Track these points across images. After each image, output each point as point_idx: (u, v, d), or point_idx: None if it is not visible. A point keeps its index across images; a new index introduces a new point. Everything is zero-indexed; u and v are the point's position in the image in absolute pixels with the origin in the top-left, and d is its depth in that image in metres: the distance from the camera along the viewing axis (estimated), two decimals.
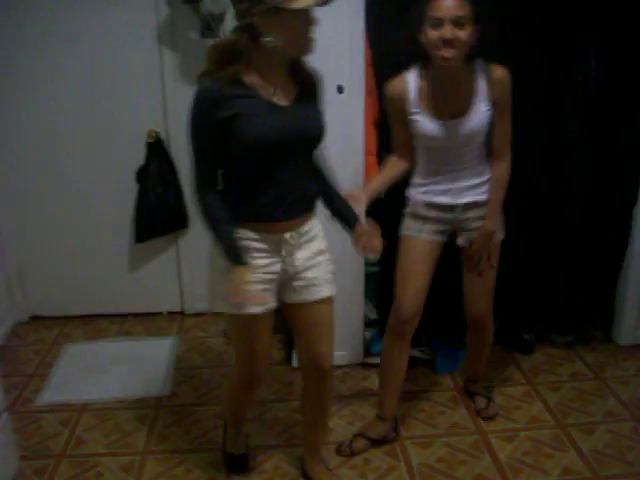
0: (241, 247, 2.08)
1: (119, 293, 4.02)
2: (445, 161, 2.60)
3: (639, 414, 3.10)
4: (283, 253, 2.18)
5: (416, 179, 2.70)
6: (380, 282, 3.41)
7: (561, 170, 3.40)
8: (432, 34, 2.34)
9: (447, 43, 2.33)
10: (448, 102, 2.50)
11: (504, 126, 2.57)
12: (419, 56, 2.48)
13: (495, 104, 2.51)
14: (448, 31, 2.31)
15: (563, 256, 3.56)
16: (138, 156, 3.70)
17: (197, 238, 3.82)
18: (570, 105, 3.30)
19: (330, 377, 2.44)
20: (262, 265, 2.14)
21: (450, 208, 2.65)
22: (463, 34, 2.32)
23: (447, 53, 2.34)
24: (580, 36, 3.18)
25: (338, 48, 2.91)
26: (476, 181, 2.63)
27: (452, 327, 3.54)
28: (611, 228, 3.57)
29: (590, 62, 3.20)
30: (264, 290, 2.16)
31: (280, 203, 2.11)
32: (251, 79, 2.01)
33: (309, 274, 2.25)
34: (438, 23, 2.32)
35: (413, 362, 3.42)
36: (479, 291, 2.82)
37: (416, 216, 2.69)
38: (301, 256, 2.22)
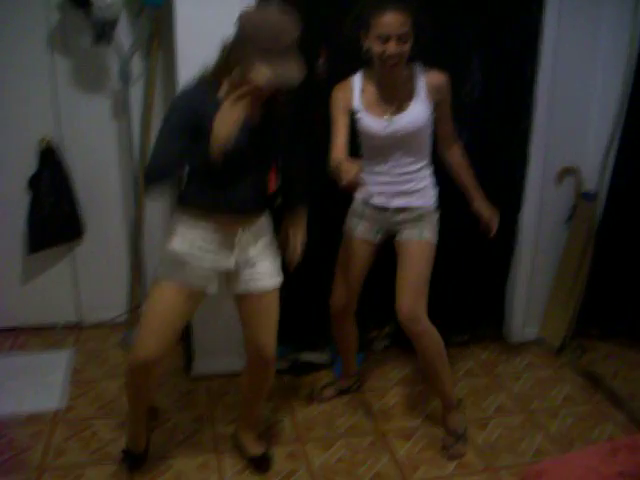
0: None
1: (11, 306, 3.87)
2: (384, 162, 2.73)
3: (529, 407, 3.25)
4: (235, 248, 2.38)
5: None
6: None
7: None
8: (377, 48, 2.50)
9: (392, 57, 2.49)
10: (389, 102, 2.66)
11: (448, 120, 2.80)
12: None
13: (437, 105, 2.70)
14: (393, 47, 2.47)
15: (455, 259, 3.69)
16: (29, 164, 3.58)
17: (93, 247, 3.76)
18: (459, 114, 3.44)
19: (271, 365, 2.59)
20: (213, 257, 2.35)
21: (383, 209, 2.80)
22: (407, 47, 2.49)
23: (391, 65, 2.52)
24: (467, 52, 3.36)
25: None
26: (411, 187, 2.77)
27: None
28: (498, 232, 3.72)
29: (474, 74, 3.39)
30: (209, 277, 2.37)
31: (235, 202, 2.33)
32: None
33: (256, 267, 2.45)
34: (384, 39, 2.46)
35: (312, 367, 3.49)
36: (409, 286, 2.81)
37: (355, 213, 2.88)
38: (251, 251, 2.43)
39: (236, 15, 2.87)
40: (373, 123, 2.65)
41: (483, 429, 3.08)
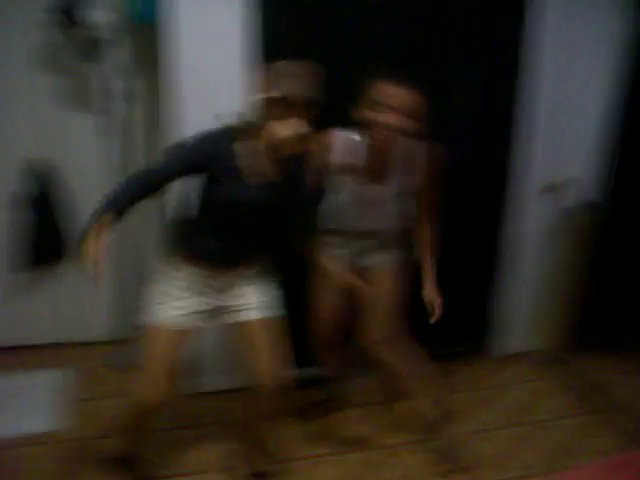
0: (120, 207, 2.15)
1: None
2: (358, 218, 2.74)
3: (518, 421, 3.32)
4: (221, 292, 2.45)
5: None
6: None
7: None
8: (376, 116, 2.37)
9: (391, 128, 2.38)
10: (371, 167, 2.60)
11: (433, 195, 2.73)
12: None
13: (426, 176, 2.65)
14: (397, 120, 2.36)
15: (440, 272, 3.74)
16: (13, 184, 3.56)
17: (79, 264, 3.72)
18: (448, 126, 3.51)
19: (271, 394, 2.53)
20: (196, 298, 2.40)
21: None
22: (411, 123, 2.39)
23: (388, 135, 2.41)
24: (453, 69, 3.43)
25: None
26: (379, 246, 2.84)
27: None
28: (481, 249, 3.80)
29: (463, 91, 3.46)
30: (195, 317, 2.41)
31: (226, 254, 2.39)
32: (244, 150, 2.22)
33: (243, 301, 2.49)
34: (386, 109, 2.35)
35: (310, 382, 3.50)
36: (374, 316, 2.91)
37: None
38: (237, 292, 2.48)
39: (226, 33, 2.95)
40: (351, 185, 2.65)
41: (472, 444, 3.12)
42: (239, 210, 2.29)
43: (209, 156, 2.21)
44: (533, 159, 3.64)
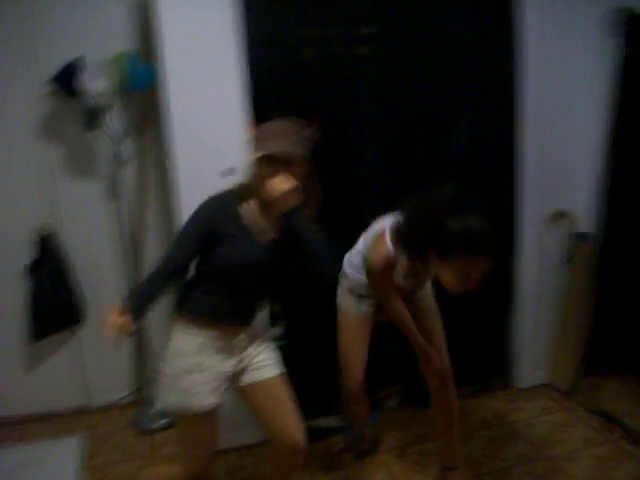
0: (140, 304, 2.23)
1: (17, 395, 3.83)
2: None
3: (548, 452, 3.25)
4: (235, 351, 2.40)
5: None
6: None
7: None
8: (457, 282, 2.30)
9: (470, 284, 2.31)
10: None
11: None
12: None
13: None
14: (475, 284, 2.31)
15: (456, 312, 3.72)
16: (26, 253, 3.61)
17: (96, 330, 3.74)
18: (447, 169, 3.53)
19: (304, 451, 2.47)
20: (213, 365, 2.33)
21: None
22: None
23: (463, 288, 2.33)
24: (453, 113, 3.49)
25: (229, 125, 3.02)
26: None
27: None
28: (495, 277, 3.76)
29: (460, 133, 3.51)
30: (217, 388, 2.34)
31: (240, 313, 2.39)
32: (248, 210, 2.26)
33: (258, 359, 2.47)
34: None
35: (325, 432, 3.47)
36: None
37: (355, 293, 2.85)
38: (251, 350, 2.46)
39: (224, 94, 3.01)
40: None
41: (506, 479, 3.06)
42: (251, 269, 2.28)
43: (216, 220, 2.22)
44: (542, 190, 3.66)
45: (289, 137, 2.15)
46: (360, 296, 2.84)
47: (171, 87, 2.97)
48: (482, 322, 3.83)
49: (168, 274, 2.25)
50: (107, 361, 3.86)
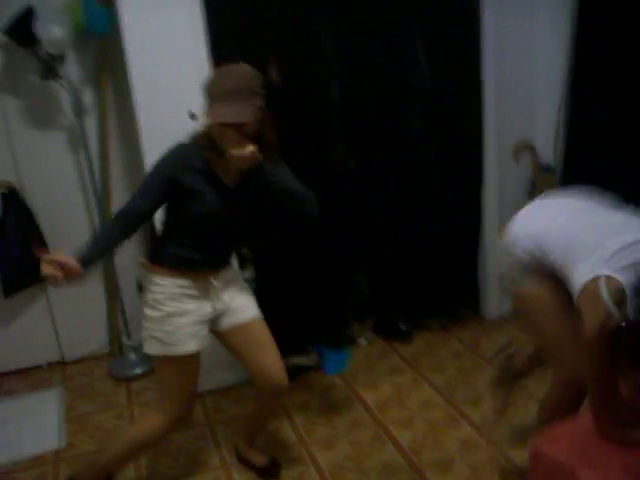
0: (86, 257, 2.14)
1: None
2: None
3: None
4: (211, 296, 2.40)
5: None
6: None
7: (410, 163, 3.63)
8: None
9: None
10: None
11: None
12: None
13: None
14: None
15: (424, 245, 3.78)
16: None
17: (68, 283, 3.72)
18: (411, 104, 3.54)
19: (285, 390, 2.55)
20: (193, 309, 2.34)
21: None
22: None
23: None
24: (413, 45, 3.46)
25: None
26: None
27: (333, 329, 3.70)
28: (464, 211, 3.83)
29: (422, 65, 3.49)
30: (198, 331, 2.36)
31: (212, 260, 2.39)
32: (209, 157, 2.21)
33: (237, 302, 2.49)
34: None
35: (301, 370, 3.53)
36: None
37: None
38: (227, 293, 2.46)
39: (183, 36, 2.96)
40: None
41: (478, 407, 3.15)
42: (218, 217, 2.28)
43: (178, 171, 2.19)
44: (504, 124, 3.70)
45: (239, 98, 2.08)
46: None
47: (128, 31, 2.91)
48: (451, 255, 3.89)
49: (126, 226, 2.22)
50: (79, 314, 3.87)
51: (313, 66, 3.33)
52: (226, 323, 2.48)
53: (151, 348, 2.36)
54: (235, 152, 2.13)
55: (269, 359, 2.49)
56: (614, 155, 3.80)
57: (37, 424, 3.35)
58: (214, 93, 2.10)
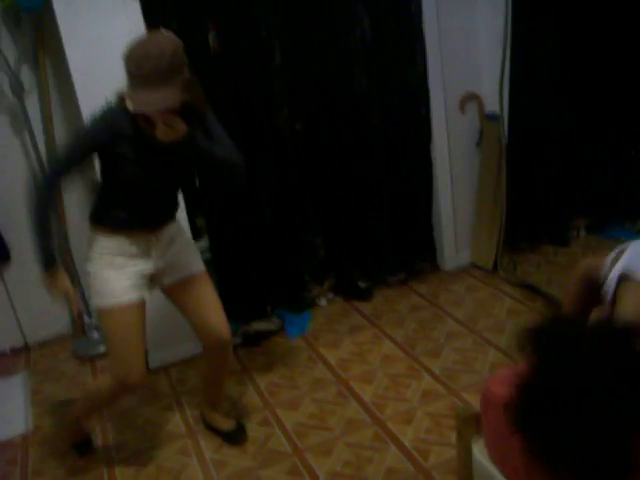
0: (51, 256, 2.29)
1: None
2: None
3: (475, 328, 3.42)
4: (152, 253, 2.42)
5: None
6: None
7: (358, 121, 3.64)
8: None
9: None
10: None
11: None
12: None
13: None
14: None
15: (378, 202, 3.81)
16: None
17: (22, 267, 3.70)
18: (355, 62, 3.53)
19: (229, 344, 2.62)
20: (131, 264, 2.37)
21: None
22: None
23: None
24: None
25: None
26: None
27: (293, 292, 3.74)
28: (415, 165, 3.86)
29: (363, 21, 3.48)
30: (137, 284, 2.39)
31: (152, 219, 2.41)
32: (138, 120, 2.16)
33: (181, 259, 2.52)
34: None
35: (264, 335, 3.57)
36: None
37: None
38: (170, 250, 2.48)
39: (119, 6, 2.91)
40: None
41: (438, 357, 3.22)
42: (153, 178, 2.29)
43: (107, 137, 2.17)
44: (447, 76, 3.72)
45: (161, 81, 1.97)
46: None
47: (60, 4, 2.85)
48: (405, 210, 3.92)
49: (53, 195, 2.35)
50: (37, 297, 3.77)
51: (253, 30, 3.30)
52: (171, 279, 2.52)
53: (95, 303, 2.41)
54: (162, 128, 2.12)
55: (212, 313, 2.55)
56: (557, 101, 3.86)
57: (3, 410, 3.35)
58: (135, 75, 1.98)
